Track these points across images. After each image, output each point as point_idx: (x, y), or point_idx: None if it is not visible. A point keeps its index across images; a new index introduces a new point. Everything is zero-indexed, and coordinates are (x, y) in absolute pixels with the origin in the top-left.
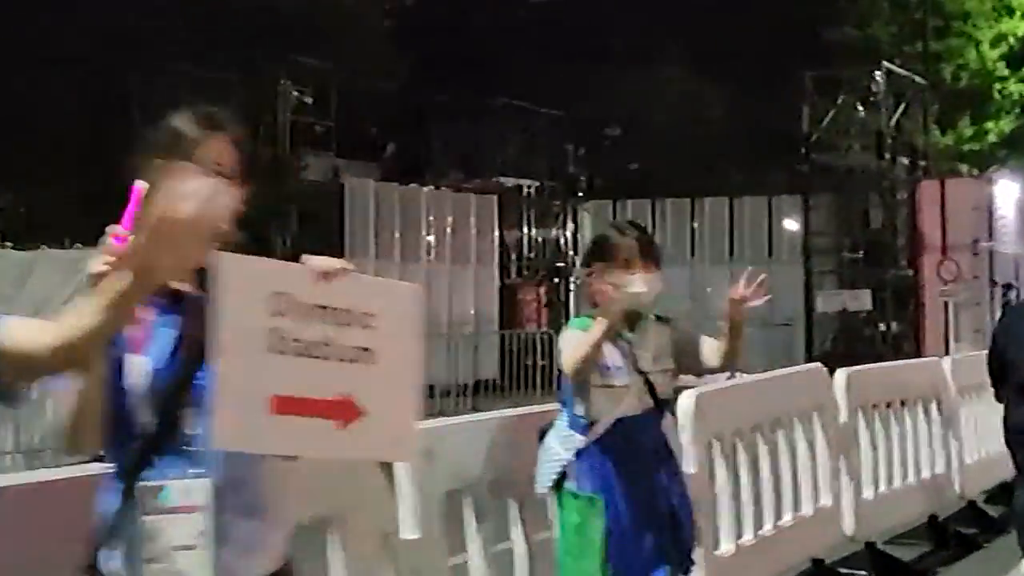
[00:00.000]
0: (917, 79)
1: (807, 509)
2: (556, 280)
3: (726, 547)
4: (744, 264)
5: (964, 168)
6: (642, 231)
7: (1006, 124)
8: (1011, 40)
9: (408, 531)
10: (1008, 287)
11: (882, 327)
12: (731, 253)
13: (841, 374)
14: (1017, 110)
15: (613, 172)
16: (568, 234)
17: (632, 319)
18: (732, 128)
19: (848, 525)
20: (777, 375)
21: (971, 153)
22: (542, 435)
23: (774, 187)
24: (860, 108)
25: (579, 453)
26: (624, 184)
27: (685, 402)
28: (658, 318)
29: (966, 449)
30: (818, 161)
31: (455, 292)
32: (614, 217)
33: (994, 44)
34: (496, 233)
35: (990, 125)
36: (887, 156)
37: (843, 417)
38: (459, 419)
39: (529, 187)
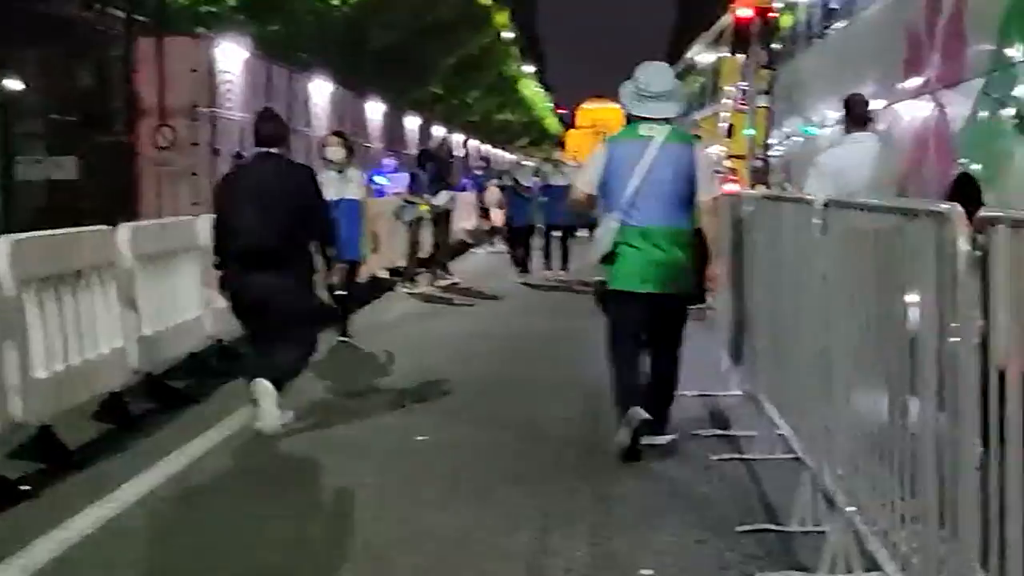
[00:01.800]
0: None
1: None
2: None
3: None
4: None
5: (202, 31)
6: None
7: None
8: None
9: None
10: (239, 156)
11: (93, 198)
12: None
13: (2, 242)
14: None
15: None
16: None
17: None
18: None
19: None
20: None
21: (209, 16)
22: None
23: None
24: None
25: None
26: None
27: None
28: None
29: (144, 321)
30: (20, 10)
31: None
32: None
33: None
34: None
35: None
36: (99, 7)
37: (8, 291)
38: None
39: None
